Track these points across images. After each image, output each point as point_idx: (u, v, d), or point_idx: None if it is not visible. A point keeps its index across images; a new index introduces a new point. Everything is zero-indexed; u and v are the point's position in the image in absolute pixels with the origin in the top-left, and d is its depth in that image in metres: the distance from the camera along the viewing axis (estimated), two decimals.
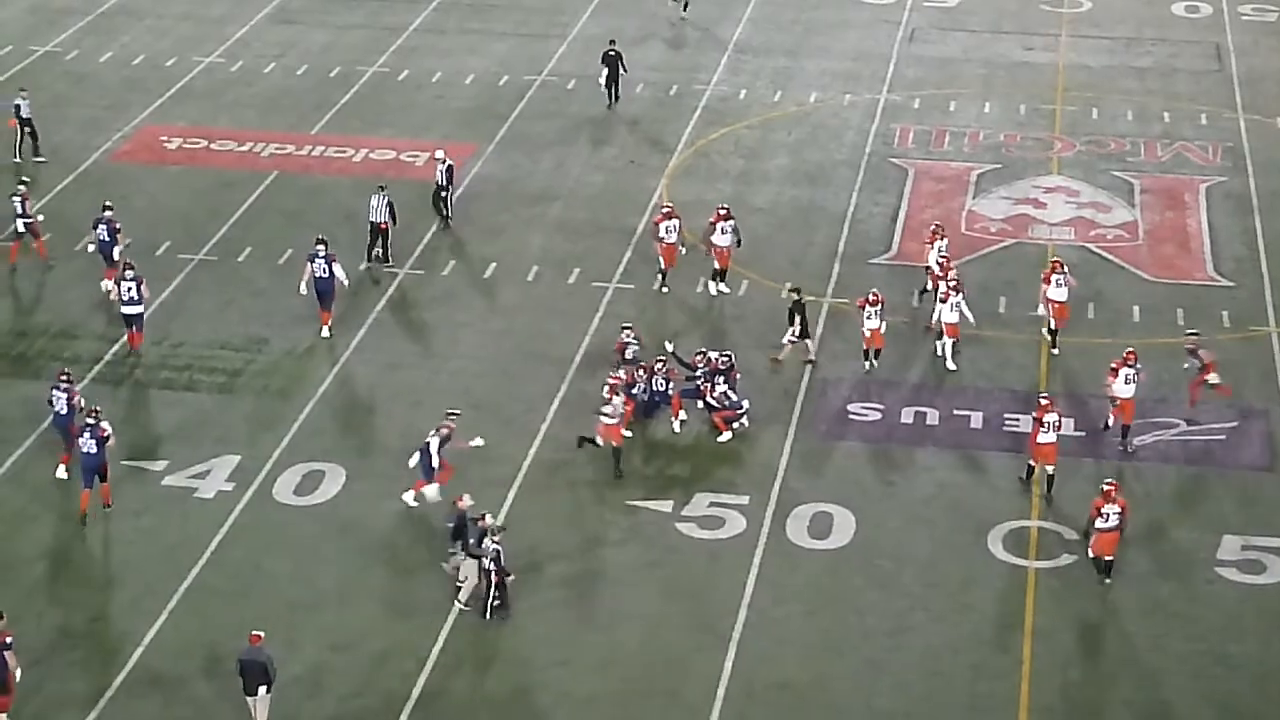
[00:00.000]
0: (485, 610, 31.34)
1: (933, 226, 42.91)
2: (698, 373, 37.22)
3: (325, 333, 40.70)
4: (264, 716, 28.51)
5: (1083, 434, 37.17)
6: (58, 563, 33.04)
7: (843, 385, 39.06)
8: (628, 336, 38.54)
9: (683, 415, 37.02)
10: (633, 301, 42.37)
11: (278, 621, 30.96)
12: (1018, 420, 37.48)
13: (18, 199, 43.59)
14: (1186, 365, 38.15)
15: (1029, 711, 29.66)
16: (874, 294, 39.23)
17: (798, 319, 39.36)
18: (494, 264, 44.35)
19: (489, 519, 31.88)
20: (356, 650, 30.77)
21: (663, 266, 42.82)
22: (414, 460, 34.58)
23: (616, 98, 53.71)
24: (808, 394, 38.70)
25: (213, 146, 51.11)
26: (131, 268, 40.16)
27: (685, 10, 60.93)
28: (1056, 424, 34.81)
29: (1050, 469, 35.02)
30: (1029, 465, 35.40)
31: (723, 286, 42.58)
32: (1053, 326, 40.21)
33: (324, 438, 36.99)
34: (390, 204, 43.57)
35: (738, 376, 37.42)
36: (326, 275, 40.48)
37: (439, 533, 33.56)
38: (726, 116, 53.55)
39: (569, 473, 35.82)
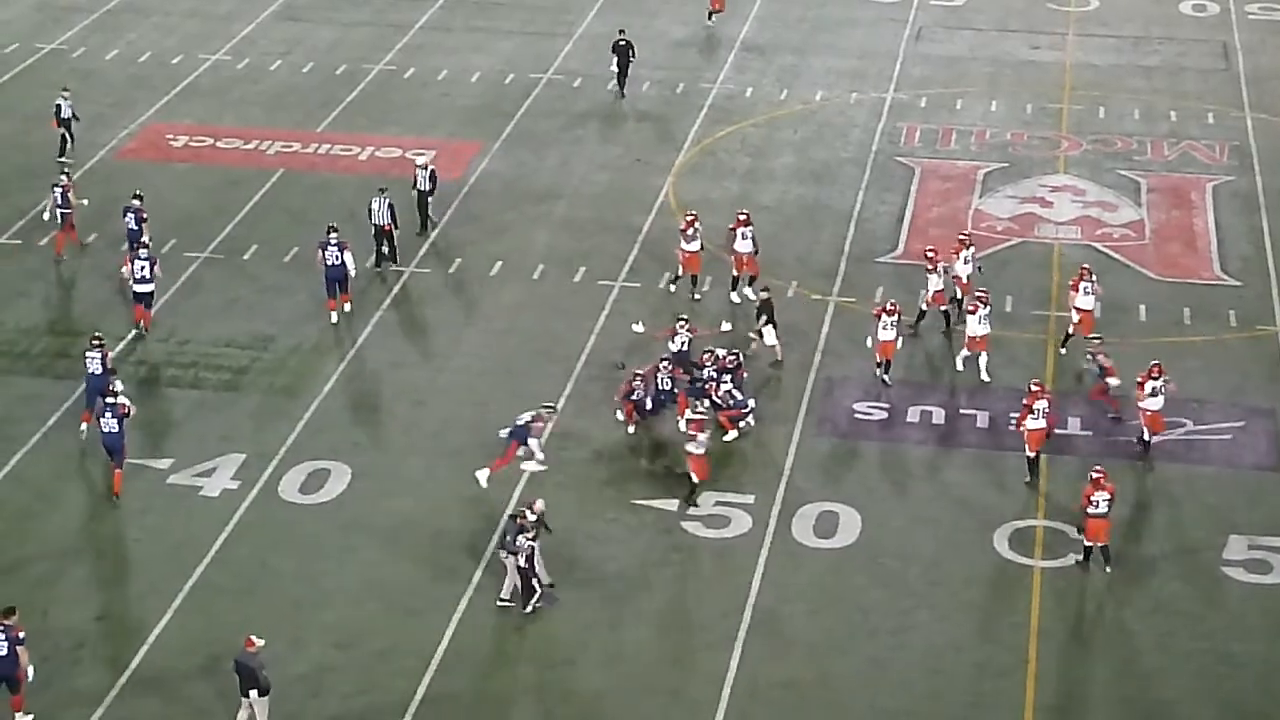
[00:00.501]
0: (526, 604, 31.46)
1: (960, 236, 42.64)
2: (703, 371, 37.20)
3: (334, 318, 40.76)
4: (264, 717, 28.50)
5: (1089, 433, 37.16)
6: (63, 561, 33.04)
7: (849, 384, 39.02)
8: (681, 327, 38.25)
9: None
10: (639, 300, 42.35)
11: (282, 619, 31.01)
12: None
13: (59, 189, 43.80)
14: (1085, 368, 38.29)
15: (1033, 710, 29.63)
16: (892, 304, 38.83)
17: (764, 318, 39.30)
18: (499, 262, 44.31)
19: (529, 514, 31.76)
20: (361, 648, 30.74)
21: (682, 273, 42.50)
22: (504, 432, 34.91)
23: (624, 87, 53.65)
24: (814, 393, 38.68)
25: (218, 144, 51.10)
26: (146, 247, 40.76)
27: (711, 19, 60.61)
28: (1046, 411, 35.00)
29: (1031, 454, 35.24)
30: (1029, 460, 35.44)
31: (747, 292, 41.94)
32: (1069, 332, 40.06)
33: (329, 436, 36.97)
34: (391, 205, 43.50)
35: (744, 375, 37.40)
36: (339, 263, 40.55)
37: (443, 532, 33.61)
38: (733, 115, 53.52)
39: (575, 471, 35.82)
